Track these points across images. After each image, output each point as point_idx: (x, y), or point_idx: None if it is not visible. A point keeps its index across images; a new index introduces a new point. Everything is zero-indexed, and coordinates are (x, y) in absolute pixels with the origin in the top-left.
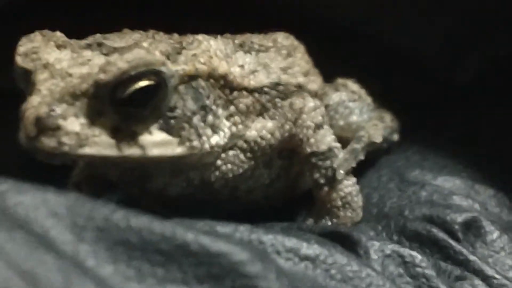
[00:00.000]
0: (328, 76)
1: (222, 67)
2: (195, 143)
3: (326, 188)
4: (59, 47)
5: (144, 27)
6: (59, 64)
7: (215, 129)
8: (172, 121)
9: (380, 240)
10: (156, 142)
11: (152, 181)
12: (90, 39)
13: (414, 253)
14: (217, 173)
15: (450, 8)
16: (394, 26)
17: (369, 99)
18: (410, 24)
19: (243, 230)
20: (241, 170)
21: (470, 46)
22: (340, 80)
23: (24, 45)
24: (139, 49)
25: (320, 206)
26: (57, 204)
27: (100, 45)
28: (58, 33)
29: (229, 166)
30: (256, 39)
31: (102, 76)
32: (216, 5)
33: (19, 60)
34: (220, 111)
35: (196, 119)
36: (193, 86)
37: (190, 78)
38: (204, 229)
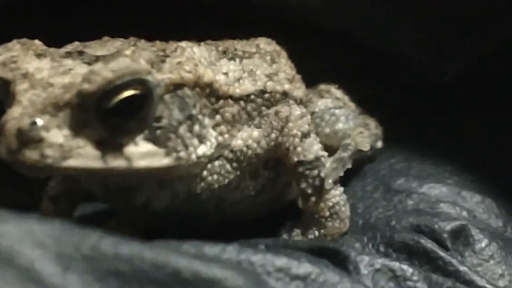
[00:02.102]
0: (307, 82)
1: (207, 75)
2: (182, 153)
3: (313, 198)
4: (38, 56)
5: (126, 32)
6: (39, 73)
7: (201, 139)
8: (158, 132)
9: (368, 253)
10: (142, 153)
11: (136, 194)
12: (69, 47)
13: (404, 266)
14: (202, 184)
15: (429, 9)
16: (372, 29)
17: (353, 106)
18: (387, 27)
19: (231, 250)
20: (227, 181)
21: (450, 48)
22: (322, 86)
23: (2, 54)
24: (124, 58)
25: (307, 216)
26: (42, 234)
27: (80, 53)
28: (37, 42)
29: (215, 177)
30: (239, 45)
31: (86, 86)
32: (197, 11)
33: None
34: (206, 121)
35: (182, 129)
36: (178, 95)
37: (175, 87)
38: (192, 251)
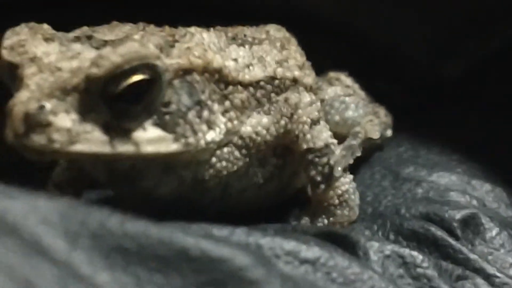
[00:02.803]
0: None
1: (216, 61)
2: (191, 139)
3: (323, 186)
4: (46, 40)
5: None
6: (47, 57)
7: (210, 125)
8: (167, 117)
9: (378, 240)
10: (150, 138)
11: (142, 179)
12: (78, 32)
13: (414, 253)
14: (211, 170)
15: (431, 8)
16: (379, 24)
17: (363, 94)
18: (394, 22)
19: (240, 233)
20: (235, 168)
21: (451, 47)
22: (332, 74)
23: (10, 38)
24: (132, 42)
25: (316, 204)
26: (48, 211)
27: (89, 38)
28: (45, 26)
29: (224, 163)
30: (249, 31)
31: (94, 70)
32: (200, 8)
33: (5, 53)
34: (215, 107)
35: (191, 115)
36: (187, 80)
37: (184, 72)
38: (200, 232)
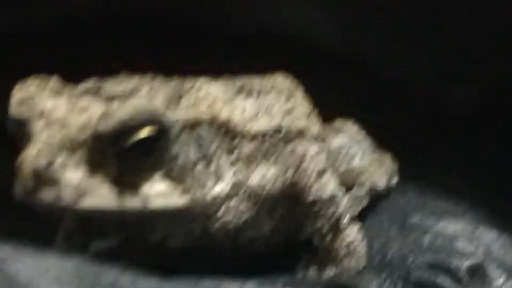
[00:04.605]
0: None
1: (224, 113)
2: (198, 193)
3: (329, 236)
4: (55, 94)
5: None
6: (56, 112)
7: (218, 177)
8: (174, 171)
9: None
10: (158, 193)
11: (151, 232)
12: (86, 85)
13: None
14: (218, 223)
15: (440, 36)
16: (381, 56)
17: (368, 141)
18: (396, 54)
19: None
20: (243, 219)
21: (459, 77)
22: (338, 122)
23: (19, 93)
24: (139, 98)
25: (323, 254)
26: (60, 270)
27: (98, 91)
28: (54, 78)
29: (230, 216)
30: (256, 81)
31: (101, 127)
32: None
33: (14, 108)
34: (223, 159)
35: (199, 168)
36: (195, 134)
37: (192, 126)
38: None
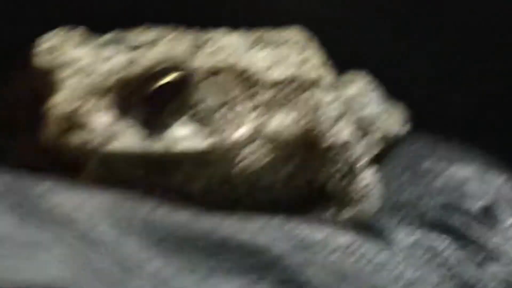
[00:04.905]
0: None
1: (242, 62)
2: (220, 137)
3: (345, 181)
4: (79, 44)
5: None
6: (81, 61)
7: (239, 123)
8: (198, 116)
9: (403, 229)
10: (182, 136)
11: (175, 174)
12: (109, 36)
13: (438, 241)
14: (238, 167)
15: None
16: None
17: (380, 91)
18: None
19: (275, 223)
20: (261, 165)
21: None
22: (351, 73)
23: (44, 44)
24: (163, 45)
25: (339, 198)
26: (98, 204)
27: (120, 41)
28: (79, 29)
29: (250, 160)
30: (271, 33)
31: (127, 72)
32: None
33: (39, 59)
34: (243, 105)
35: (220, 114)
36: (215, 81)
37: (213, 73)
38: (238, 222)
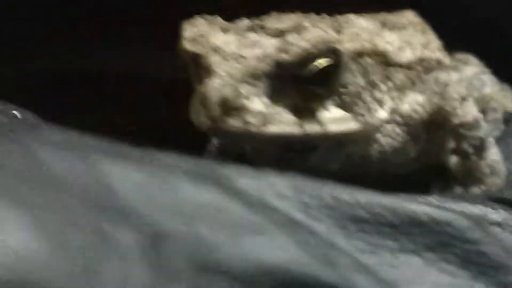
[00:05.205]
0: None
1: (381, 44)
2: (368, 117)
3: (474, 157)
4: (223, 30)
5: None
6: (228, 47)
7: (380, 104)
8: (346, 98)
9: None
10: (334, 118)
11: (314, 154)
12: (246, 23)
13: None
14: (376, 147)
15: None
16: None
17: (490, 72)
18: None
19: (449, 202)
20: (396, 144)
21: None
22: (460, 55)
23: (190, 30)
24: (311, 30)
25: (466, 175)
26: (282, 185)
27: (262, 27)
28: (218, 18)
29: (388, 140)
30: (393, 17)
31: (284, 56)
32: None
33: (187, 44)
34: (382, 86)
35: (365, 95)
36: (360, 62)
37: (358, 55)
38: (420, 199)
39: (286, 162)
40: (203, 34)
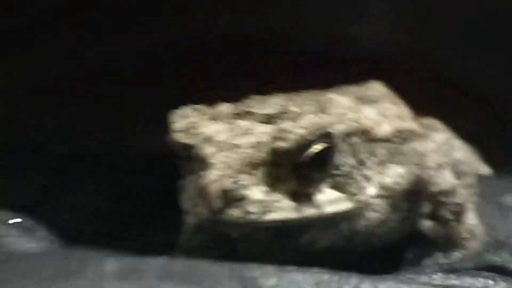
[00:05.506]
0: None
1: (363, 121)
2: (360, 196)
3: (453, 223)
4: (213, 119)
5: None
6: (220, 136)
7: (368, 180)
8: (338, 179)
9: None
10: (329, 200)
11: (303, 235)
12: (231, 109)
13: None
14: (363, 221)
15: None
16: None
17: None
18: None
19: (452, 278)
20: (380, 216)
21: None
22: (426, 120)
23: (180, 121)
24: (307, 114)
25: (447, 241)
26: (305, 283)
27: (249, 113)
28: (205, 106)
29: (374, 213)
30: (364, 90)
31: (281, 144)
32: None
33: (178, 136)
34: (369, 163)
35: (355, 174)
36: (349, 142)
37: (347, 135)
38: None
39: (276, 245)
40: (193, 124)
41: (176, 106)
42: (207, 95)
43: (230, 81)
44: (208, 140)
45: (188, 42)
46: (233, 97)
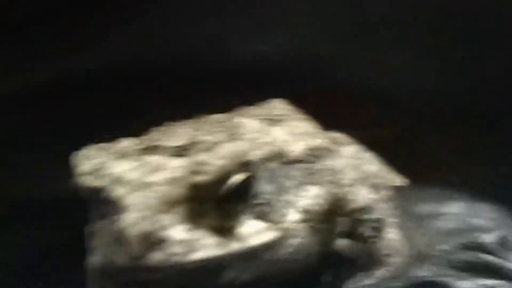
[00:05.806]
0: None
1: (277, 144)
2: (283, 224)
3: (373, 240)
4: (119, 157)
5: None
6: (130, 175)
7: (289, 206)
8: (258, 208)
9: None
10: (251, 232)
11: (226, 272)
12: (136, 144)
13: (489, 282)
14: (286, 249)
15: None
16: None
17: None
18: None
19: None
20: (304, 241)
21: None
22: (333, 134)
23: (84, 163)
24: (224, 143)
25: (368, 260)
26: None
27: (156, 147)
28: (108, 144)
29: (296, 240)
30: (267, 111)
31: (200, 178)
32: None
33: (85, 180)
34: (287, 187)
35: (276, 200)
36: (267, 169)
37: (262, 162)
38: None
39: (200, 283)
40: (100, 165)
41: (77, 146)
42: (107, 130)
43: (128, 112)
44: (118, 180)
45: (78, 75)
46: (135, 130)
